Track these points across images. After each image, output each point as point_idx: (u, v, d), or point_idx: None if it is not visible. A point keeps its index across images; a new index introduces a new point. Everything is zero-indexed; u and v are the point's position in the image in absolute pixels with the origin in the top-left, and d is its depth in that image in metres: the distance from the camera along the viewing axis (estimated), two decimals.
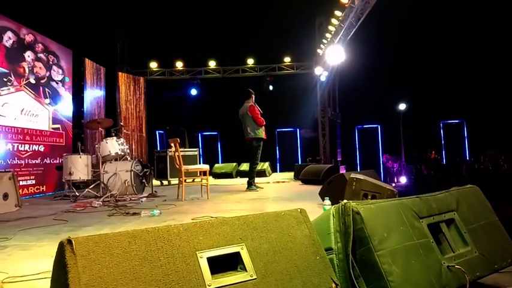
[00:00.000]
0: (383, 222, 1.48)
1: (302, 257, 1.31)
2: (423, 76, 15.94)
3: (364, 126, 19.16)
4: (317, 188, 5.39)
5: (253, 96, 7.17)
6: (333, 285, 1.29)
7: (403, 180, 19.63)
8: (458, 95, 16.64)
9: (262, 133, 6.95)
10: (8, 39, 7.15)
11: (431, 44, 14.93)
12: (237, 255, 1.24)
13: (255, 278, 1.20)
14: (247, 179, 7.26)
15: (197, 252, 1.17)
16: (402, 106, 18.84)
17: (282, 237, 1.33)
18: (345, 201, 1.49)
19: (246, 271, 1.21)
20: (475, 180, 15.36)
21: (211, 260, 1.18)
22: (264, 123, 6.98)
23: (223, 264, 1.22)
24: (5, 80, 6.96)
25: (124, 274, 1.04)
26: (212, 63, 14.20)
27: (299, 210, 1.46)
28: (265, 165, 11.67)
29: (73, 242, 1.02)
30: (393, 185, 18.84)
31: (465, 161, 18.17)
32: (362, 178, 3.83)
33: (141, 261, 1.08)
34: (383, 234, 1.44)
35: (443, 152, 19.43)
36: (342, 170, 10.42)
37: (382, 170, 19.32)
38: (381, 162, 19.57)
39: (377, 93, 15.91)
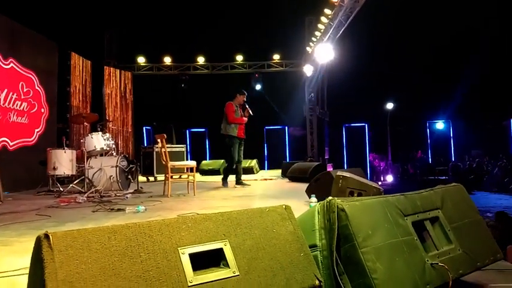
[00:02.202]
0: (368, 219, 1.48)
1: (286, 254, 1.30)
2: (411, 76, 16.08)
3: (352, 124, 19.29)
4: (304, 186, 5.40)
5: (241, 96, 7.16)
6: (317, 282, 1.28)
7: (389, 178, 19.83)
8: (445, 96, 16.86)
9: (233, 131, 6.98)
10: None
11: (420, 44, 15.07)
12: (220, 251, 1.22)
13: (238, 275, 1.18)
14: (234, 175, 7.28)
15: (179, 248, 1.15)
16: (390, 105, 19.01)
17: (266, 233, 1.32)
18: (330, 198, 1.49)
19: (229, 267, 1.19)
20: (460, 179, 15.60)
21: (193, 256, 1.16)
22: (236, 121, 7.00)
23: (206, 260, 1.20)
24: None
25: (103, 270, 1.01)
26: (201, 59, 14.13)
27: (284, 206, 1.44)
28: (253, 163, 11.68)
29: (50, 236, 0.99)
30: (379, 183, 18.99)
31: (450, 161, 18.44)
32: (348, 176, 3.84)
33: (121, 257, 1.05)
34: (368, 231, 1.44)
35: (429, 151, 19.67)
36: (329, 168, 10.46)
37: (368, 169, 19.47)
38: (368, 161, 19.73)
39: (365, 92, 16.03)
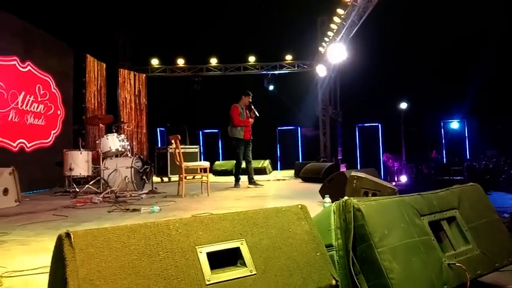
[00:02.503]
0: (384, 219, 1.48)
1: (302, 253, 1.30)
2: (425, 75, 15.91)
3: (365, 124, 19.14)
4: (317, 186, 5.39)
5: (246, 97, 7.19)
6: (333, 281, 1.28)
7: (403, 179, 19.61)
8: (460, 95, 16.63)
9: (240, 133, 7.04)
10: None
11: (434, 43, 14.90)
12: (237, 250, 1.24)
13: (255, 274, 1.19)
14: (247, 176, 7.31)
15: (197, 247, 1.16)
16: (403, 105, 18.82)
17: (282, 233, 1.32)
18: (346, 197, 1.49)
19: (246, 266, 1.20)
20: (475, 179, 15.37)
21: (210, 255, 1.18)
22: (241, 124, 7.03)
23: (223, 259, 1.21)
24: None
25: (123, 268, 1.03)
26: (213, 61, 14.18)
27: (299, 206, 1.45)
28: (266, 163, 11.68)
29: (71, 235, 1.02)
30: (393, 183, 18.79)
31: (465, 161, 18.16)
32: (363, 176, 3.82)
33: (140, 256, 1.07)
34: (384, 231, 1.43)
35: (444, 151, 19.41)
36: (343, 169, 10.41)
37: (382, 169, 19.31)
38: (381, 161, 19.56)
39: (378, 92, 15.89)
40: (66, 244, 1.00)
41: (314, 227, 1.40)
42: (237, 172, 7.38)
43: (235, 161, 7.41)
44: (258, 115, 7.19)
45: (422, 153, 19.67)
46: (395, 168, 20.41)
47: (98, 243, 1.04)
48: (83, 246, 1.01)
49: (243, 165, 7.34)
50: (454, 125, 19.16)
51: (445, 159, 19.25)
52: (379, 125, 19.15)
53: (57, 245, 1.04)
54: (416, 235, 1.52)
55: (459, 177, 16.99)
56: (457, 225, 1.71)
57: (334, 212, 1.50)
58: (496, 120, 16.71)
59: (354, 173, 3.93)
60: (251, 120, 7.15)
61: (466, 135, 18.92)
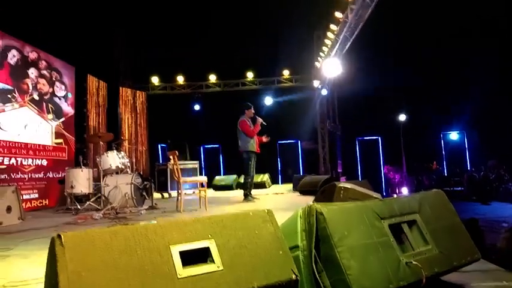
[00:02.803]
0: (344, 221, 1.65)
1: (266, 252, 1.47)
2: (423, 87, 16.10)
3: (365, 137, 19.30)
4: (313, 199, 5.53)
5: (249, 110, 7.39)
6: (293, 276, 1.44)
7: (404, 191, 19.64)
8: (459, 106, 16.77)
9: (252, 146, 7.18)
10: (13, 57, 7.42)
11: (430, 54, 15.11)
12: (207, 249, 1.41)
13: (222, 269, 1.37)
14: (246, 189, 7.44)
15: (170, 246, 1.34)
16: (402, 117, 18.99)
17: (248, 233, 1.50)
18: (310, 203, 1.66)
19: (214, 263, 1.38)
20: (476, 190, 15.43)
21: (183, 254, 1.35)
22: (255, 132, 7.21)
23: (195, 257, 1.38)
24: (9, 96, 7.21)
25: (105, 264, 1.21)
26: (212, 77, 14.49)
27: (266, 210, 1.63)
28: (265, 177, 11.81)
29: (62, 236, 1.20)
30: (395, 196, 18.86)
31: (466, 172, 18.22)
32: (349, 187, 3.98)
33: (121, 253, 1.25)
34: (343, 232, 1.60)
35: (445, 162, 19.49)
36: (343, 181, 10.52)
37: (383, 181, 19.39)
38: (382, 174, 19.64)
39: (377, 105, 16.07)
40: (58, 244, 1.18)
41: (278, 229, 1.58)
42: (248, 185, 7.35)
43: (244, 175, 7.38)
44: (265, 124, 7.38)
45: (423, 165, 19.74)
46: (397, 180, 20.46)
47: (84, 243, 1.22)
48: (72, 245, 1.20)
49: (242, 179, 7.48)
50: (454, 136, 19.28)
51: (445, 171, 19.32)
52: (379, 138, 19.29)
53: (51, 245, 1.23)
54: (375, 236, 1.69)
55: (460, 188, 17.05)
56: (418, 227, 1.88)
57: (300, 216, 1.67)
58: (496, 130, 16.80)
59: (341, 184, 4.09)
60: (259, 127, 7.32)
61: (466, 146, 19.03)
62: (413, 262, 1.70)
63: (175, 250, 1.34)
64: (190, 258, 1.36)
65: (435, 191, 2.13)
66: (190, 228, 1.42)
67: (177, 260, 1.32)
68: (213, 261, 1.38)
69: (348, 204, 1.76)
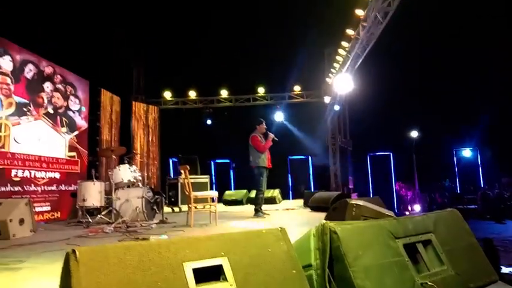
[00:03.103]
0: (358, 241, 1.63)
1: (279, 271, 1.46)
2: (435, 103, 16.01)
3: (376, 153, 19.17)
4: (324, 215, 5.47)
5: (260, 125, 7.41)
6: None
7: (417, 208, 19.38)
8: (471, 122, 16.61)
9: (263, 161, 7.17)
10: (29, 71, 7.58)
11: (442, 71, 15.06)
12: (220, 267, 1.40)
13: None
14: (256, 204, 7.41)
15: (183, 263, 1.34)
16: (414, 133, 18.85)
17: (261, 252, 1.49)
18: (324, 221, 1.64)
19: (227, 281, 1.37)
20: (490, 208, 15.17)
21: (196, 271, 1.35)
22: (266, 147, 7.21)
23: (208, 275, 1.37)
24: (25, 109, 7.34)
25: (119, 280, 1.21)
26: (224, 92, 14.60)
27: (279, 228, 1.62)
28: (275, 193, 11.75)
29: (76, 251, 1.21)
30: (407, 213, 18.63)
31: (480, 189, 17.94)
32: (361, 204, 3.94)
33: (134, 270, 1.25)
34: (358, 252, 1.58)
35: (457, 180, 19.23)
36: (354, 197, 10.43)
37: (395, 198, 19.17)
38: (394, 190, 19.43)
39: (388, 121, 15.99)
40: (72, 259, 1.19)
41: (291, 248, 1.56)
42: (259, 201, 7.32)
43: (256, 190, 7.35)
44: (277, 139, 7.40)
45: (435, 182, 19.50)
46: (409, 197, 20.21)
47: (98, 258, 1.22)
48: (86, 260, 1.20)
49: (253, 194, 7.45)
50: (467, 153, 19.05)
51: (458, 188, 19.05)
52: (391, 154, 19.15)
53: (65, 260, 1.23)
54: (390, 256, 1.66)
55: (473, 206, 16.77)
56: (433, 247, 1.85)
57: (314, 235, 1.66)
58: (510, 147, 16.56)
59: (353, 201, 4.05)
60: (271, 143, 7.33)
61: (479, 163, 18.79)
62: (429, 283, 1.67)
63: (189, 267, 1.33)
64: (203, 275, 1.36)
65: (450, 210, 2.10)
66: (203, 245, 1.41)
67: (190, 277, 1.32)
68: (225, 279, 1.37)
69: (362, 223, 1.74)
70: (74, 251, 1.21)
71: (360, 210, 3.91)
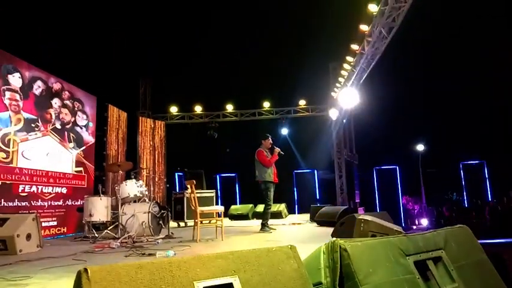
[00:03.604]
0: (369, 258, 1.62)
1: None
2: (440, 116, 15.98)
3: (383, 167, 19.08)
4: (331, 230, 5.43)
5: (266, 140, 7.42)
6: None
7: (424, 222, 19.19)
8: (478, 135, 16.52)
9: (269, 176, 7.17)
10: (38, 87, 7.68)
11: (448, 83, 15.05)
12: (230, 285, 1.40)
13: None
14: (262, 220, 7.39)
15: (194, 282, 1.33)
16: (420, 147, 18.78)
17: (272, 270, 1.48)
18: (334, 239, 1.64)
19: None
20: (498, 222, 14.98)
21: None
22: (272, 162, 7.22)
23: None
24: (33, 125, 7.42)
25: None
26: (229, 107, 14.68)
27: (289, 246, 1.61)
28: (282, 207, 11.70)
29: (88, 270, 1.21)
30: (414, 227, 18.46)
31: (488, 203, 17.75)
32: (370, 219, 3.91)
33: None
34: (368, 270, 1.57)
35: (465, 193, 19.06)
36: (361, 212, 10.36)
37: (402, 212, 19.02)
38: (401, 204, 19.28)
39: (394, 134, 15.96)
40: (84, 278, 1.19)
41: (302, 266, 1.55)
42: (267, 216, 7.30)
43: (264, 205, 7.32)
44: (283, 153, 7.41)
45: (442, 196, 19.34)
46: (416, 211, 20.04)
47: (110, 277, 1.22)
48: (98, 279, 1.20)
49: (259, 209, 7.41)
50: (473, 165, 18.92)
51: (465, 202, 18.87)
52: (397, 167, 19.06)
53: (77, 279, 1.23)
54: (400, 274, 1.65)
55: (482, 220, 16.57)
56: (443, 264, 1.83)
57: (323, 252, 1.65)
58: None
59: (361, 217, 4.02)
60: (276, 156, 7.34)
61: (487, 175, 18.63)
62: None
63: (199, 286, 1.33)
64: None
65: (460, 226, 2.09)
66: (214, 264, 1.41)
67: None
68: None
69: (372, 240, 1.73)
70: (85, 270, 1.21)
71: (368, 226, 3.88)
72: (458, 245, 1.93)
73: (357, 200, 16.11)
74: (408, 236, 1.83)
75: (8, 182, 6.70)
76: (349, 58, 10.16)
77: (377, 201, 18.77)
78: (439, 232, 1.95)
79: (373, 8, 8.15)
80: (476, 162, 18.73)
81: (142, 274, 1.27)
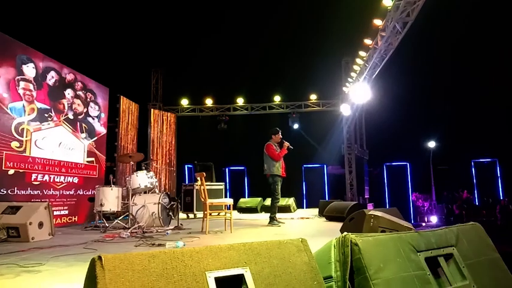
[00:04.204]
0: (380, 253, 1.61)
1: (300, 282, 1.46)
2: (453, 113, 15.81)
3: (393, 163, 18.96)
4: (340, 225, 5.41)
5: (276, 135, 7.40)
6: None
7: (433, 219, 19.07)
8: (490, 133, 16.32)
9: (278, 170, 7.16)
10: (51, 78, 7.75)
11: (461, 80, 14.88)
12: (242, 276, 1.41)
13: None
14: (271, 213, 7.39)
15: (206, 272, 1.35)
16: (431, 144, 18.62)
17: (283, 262, 1.49)
18: (345, 233, 1.64)
19: None
20: (510, 221, 14.84)
21: (218, 280, 1.36)
22: (281, 155, 7.21)
23: (229, 284, 1.38)
24: (46, 115, 7.50)
25: (143, 287, 1.23)
26: (240, 100, 14.68)
27: (300, 239, 1.61)
28: (290, 201, 11.70)
29: (103, 258, 1.23)
30: (423, 224, 18.36)
31: (499, 201, 17.57)
32: (380, 215, 3.89)
33: (158, 277, 1.27)
34: (379, 265, 1.57)
35: (476, 191, 18.88)
36: (370, 208, 10.32)
37: (411, 209, 18.91)
38: (411, 201, 19.17)
39: (405, 131, 15.85)
40: (98, 265, 1.21)
41: (313, 259, 1.56)
42: (275, 209, 7.29)
43: (271, 198, 7.32)
44: (292, 148, 7.40)
45: (453, 193, 19.18)
46: (425, 208, 19.92)
47: (123, 265, 1.24)
48: (111, 267, 1.22)
49: (268, 202, 7.41)
50: (485, 164, 18.71)
51: (476, 200, 18.70)
52: (407, 164, 18.92)
53: (91, 266, 1.25)
54: (411, 269, 1.64)
55: (492, 219, 16.42)
56: (455, 261, 1.82)
57: (334, 246, 1.65)
58: None
59: (371, 212, 4.00)
60: (285, 151, 7.33)
61: (499, 174, 18.42)
62: None
63: (211, 276, 1.35)
64: (225, 285, 1.36)
65: (472, 224, 2.07)
66: (226, 255, 1.42)
67: (213, 286, 1.33)
68: None
69: (383, 236, 1.73)
70: (100, 258, 1.23)
71: (378, 222, 3.86)
72: (470, 242, 1.92)
73: (366, 196, 16.06)
74: (420, 233, 1.82)
75: (21, 170, 6.80)
76: (362, 53, 10.07)
77: (386, 197, 18.68)
78: (451, 229, 1.94)
79: (387, 2, 8.06)
80: (488, 160, 18.51)
81: (155, 263, 1.29)
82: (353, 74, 11.53)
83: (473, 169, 18.88)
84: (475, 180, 18.86)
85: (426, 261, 1.74)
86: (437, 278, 1.75)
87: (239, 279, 1.41)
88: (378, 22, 8.74)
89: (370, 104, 11.82)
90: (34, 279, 2.95)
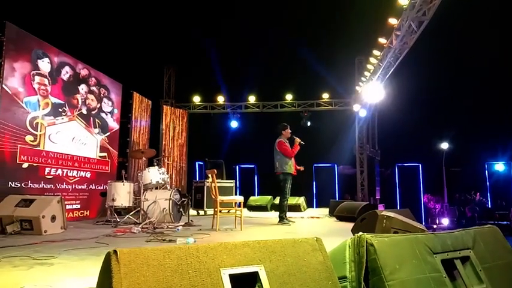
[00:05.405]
0: (395, 254, 1.59)
1: (315, 281, 1.44)
2: (467, 114, 15.61)
3: (405, 164, 18.78)
4: (351, 225, 5.37)
5: (286, 130, 7.30)
6: None
7: (445, 222, 18.87)
8: (505, 135, 16.08)
9: (290, 168, 7.06)
10: (66, 73, 7.82)
11: (475, 82, 14.68)
12: (256, 274, 1.40)
13: None
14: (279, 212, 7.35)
15: (220, 269, 1.34)
16: (444, 145, 18.41)
17: (297, 261, 1.47)
18: (360, 233, 1.62)
19: None
20: None
21: (232, 277, 1.35)
22: (295, 152, 7.11)
23: (243, 281, 1.37)
24: (60, 110, 7.57)
25: (158, 282, 1.23)
26: (252, 98, 14.67)
27: (315, 238, 1.60)
28: (300, 200, 11.65)
29: (118, 252, 1.23)
30: (435, 226, 18.16)
31: None
32: (392, 216, 3.85)
33: (173, 273, 1.26)
34: (395, 266, 1.54)
35: (489, 194, 18.62)
36: (381, 208, 10.23)
37: (423, 211, 18.73)
38: (422, 203, 18.98)
39: (418, 131, 15.69)
40: (114, 259, 1.21)
41: (328, 258, 1.54)
42: (284, 208, 7.20)
43: (280, 197, 7.25)
44: (303, 143, 7.27)
45: (465, 196, 18.94)
46: (437, 210, 19.70)
47: (138, 260, 1.24)
48: (127, 262, 1.22)
49: (277, 200, 7.36)
50: (500, 167, 18.44)
51: (489, 203, 18.45)
52: (420, 165, 18.74)
53: (106, 260, 1.25)
54: (427, 271, 1.61)
55: (505, 222, 16.18)
56: (471, 264, 1.79)
57: (349, 246, 1.63)
58: None
59: (384, 213, 3.96)
60: (298, 147, 7.22)
61: None
62: None
63: (225, 273, 1.34)
64: (239, 282, 1.36)
65: (490, 226, 2.03)
66: (240, 252, 1.42)
67: (227, 283, 1.32)
68: (261, 287, 1.37)
69: (399, 237, 1.70)
70: (115, 252, 1.23)
71: (390, 222, 3.82)
72: (488, 245, 1.88)
73: (378, 197, 15.94)
74: (436, 234, 1.79)
75: (34, 164, 6.88)
76: (375, 52, 9.98)
77: (397, 198, 18.52)
78: (467, 231, 1.91)
79: (403, 1, 7.96)
80: (503, 163, 18.25)
81: (170, 259, 1.28)
82: (366, 73, 11.44)
83: (486, 172, 18.63)
84: (488, 183, 18.61)
85: (442, 263, 1.71)
86: (454, 281, 1.72)
87: (253, 276, 1.40)
88: (393, 21, 8.65)
89: (383, 103, 11.71)
90: (47, 272, 2.98)
